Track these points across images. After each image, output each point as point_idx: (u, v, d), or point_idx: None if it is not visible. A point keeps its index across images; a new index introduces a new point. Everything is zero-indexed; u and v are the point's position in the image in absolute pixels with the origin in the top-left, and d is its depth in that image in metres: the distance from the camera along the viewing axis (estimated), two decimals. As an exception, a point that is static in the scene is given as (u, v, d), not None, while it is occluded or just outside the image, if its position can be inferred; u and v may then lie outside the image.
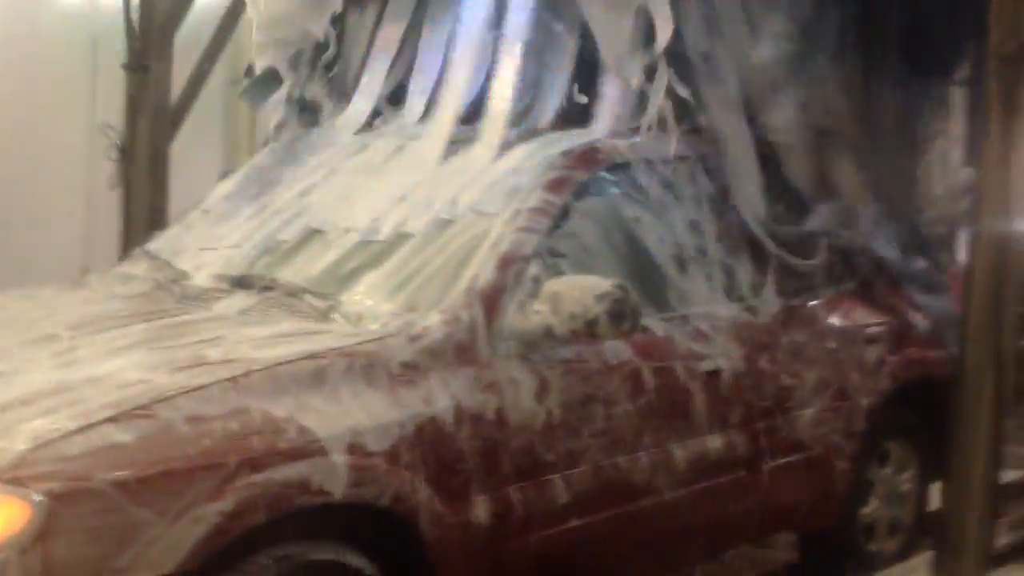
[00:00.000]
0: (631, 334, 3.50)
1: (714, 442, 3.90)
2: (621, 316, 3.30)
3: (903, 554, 4.78)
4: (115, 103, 6.23)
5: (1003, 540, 4.90)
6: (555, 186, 3.71)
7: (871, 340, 4.58)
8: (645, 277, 3.81)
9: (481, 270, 3.40)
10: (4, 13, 6.78)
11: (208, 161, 7.13)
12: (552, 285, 3.36)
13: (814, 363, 4.34)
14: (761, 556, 4.98)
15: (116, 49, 6.23)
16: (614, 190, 3.88)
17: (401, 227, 3.69)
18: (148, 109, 5.94)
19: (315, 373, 2.96)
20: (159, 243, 4.27)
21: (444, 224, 3.65)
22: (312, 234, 3.82)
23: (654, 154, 4.05)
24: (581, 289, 3.31)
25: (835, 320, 4.52)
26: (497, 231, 3.52)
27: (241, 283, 3.65)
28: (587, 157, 3.87)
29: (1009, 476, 5.65)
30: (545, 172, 3.74)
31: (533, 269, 3.48)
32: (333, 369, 2.99)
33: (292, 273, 3.65)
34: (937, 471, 4.86)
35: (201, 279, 3.78)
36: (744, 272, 4.22)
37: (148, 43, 6.01)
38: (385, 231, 3.69)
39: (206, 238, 4.08)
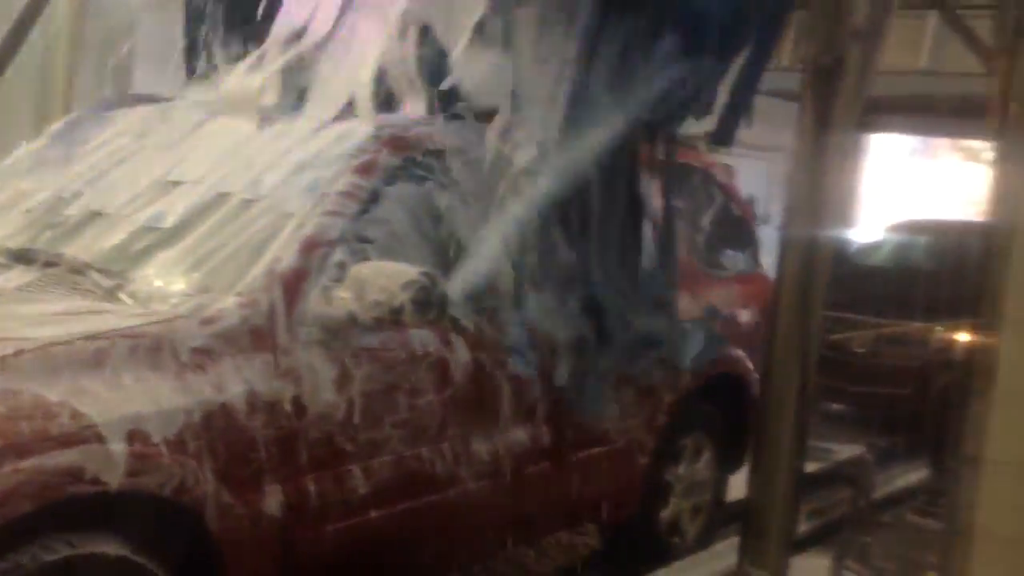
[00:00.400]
0: (437, 323, 3.45)
1: (519, 435, 3.87)
2: (427, 305, 3.23)
3: (702, 543, 4.90)
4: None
5: (804, 527, 5.14)
6: (364, 170, 3.58)
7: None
8: (457, 267, 3.72)
9: (283, 253, 3.26)
10: None
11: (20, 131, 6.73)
12: (357, 271, 3.27)
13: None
14: (568, 542, 5.06)
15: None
16: (427, 176, 3.78)
17: (200, 204, 3.52)
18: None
19: (94, 355, 2.78)
20: None
21: (247, 204, 3.49)
22: (103, 208, 3.62)
23: (469, 142, 3.97)
24: (387, 276, 3.23)
25: None
26: (302, 214, 3.38)
27: (22, 257, 3.43)
28: (399, 141, 3.75)
29: (811, 468, 5.99)
30: (355, 155, 3.62)
31: (339, 254, 3.36)
32: (115, 351, 2.81)
33: (78, 249, 3.44)
34: (735, 462, 5.10)
35: None
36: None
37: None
38: (182, 208, 3.51)
39: None
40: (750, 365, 5.01)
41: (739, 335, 5.05)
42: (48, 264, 3.35)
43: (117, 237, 3.45)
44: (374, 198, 3.56)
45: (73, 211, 3.65)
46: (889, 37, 4.66)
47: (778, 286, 4.25)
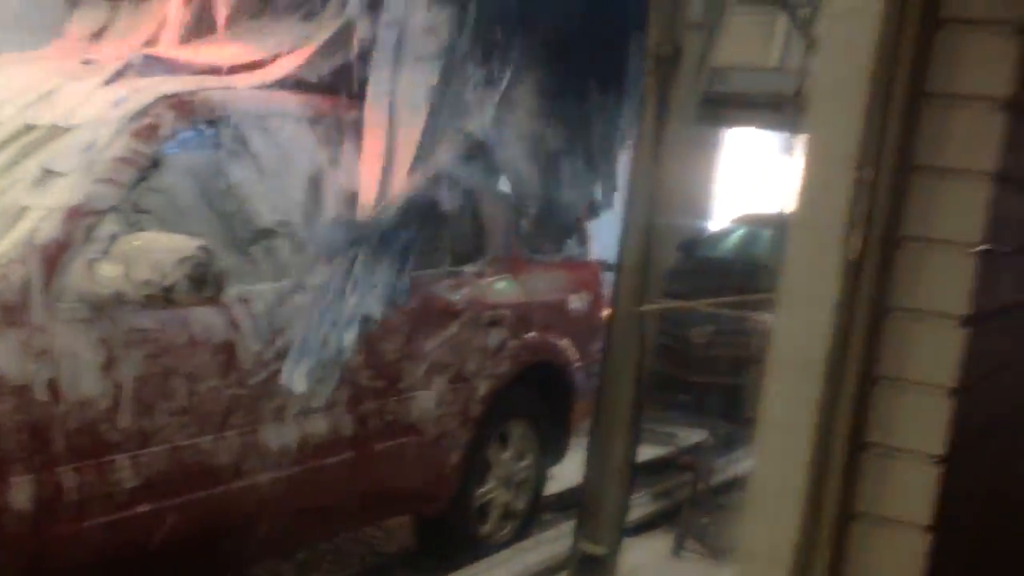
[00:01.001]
0: (214, 303, 3.19)
1: (316, 423, 3.66)
2: (203, 282, 2.97)
3: (519, 536, 4.81)
4: None
5: (649, 509, 5.25)
6: (145, 134, 3.26)
7: (493, 323, 4.50)
8: (248, 243, 3.48)
9: (43, 222, 2.96)
10: None
11: None
12: (127, 243, 2.99)
13: (431, 343, 4.18)
14: (381, 539, 4.91)
15: None
16: (217, 145, 3.49)
17: None
18: None
19: None
20: None
21: (10, 165, 3.18)
22: None
23: (270, 111, 3.70)
24: (159, 250, 2.96)
25: (457, 301, 4.37)
26: (69, 180, 3.08)
27: None
28: (187, 106, 3.43)
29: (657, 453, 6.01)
30: (135, 118, 3.29)
31: (110, 225, 3.07)
32: None
33: None
34: (557, 452, 5.04)
35: None
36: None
37: None
38: None
39: None
40: (572, 354, 4.94)
41: (565, 322, 4.98)
42: None
43: None
44: (155, 165, 3.26)
45: None
46: (740, 34, 4.79)
47: (617, 275, 4.34)
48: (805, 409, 1.92)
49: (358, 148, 3.85)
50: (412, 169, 3.96)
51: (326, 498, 3.79)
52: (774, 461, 1.96)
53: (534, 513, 4.97)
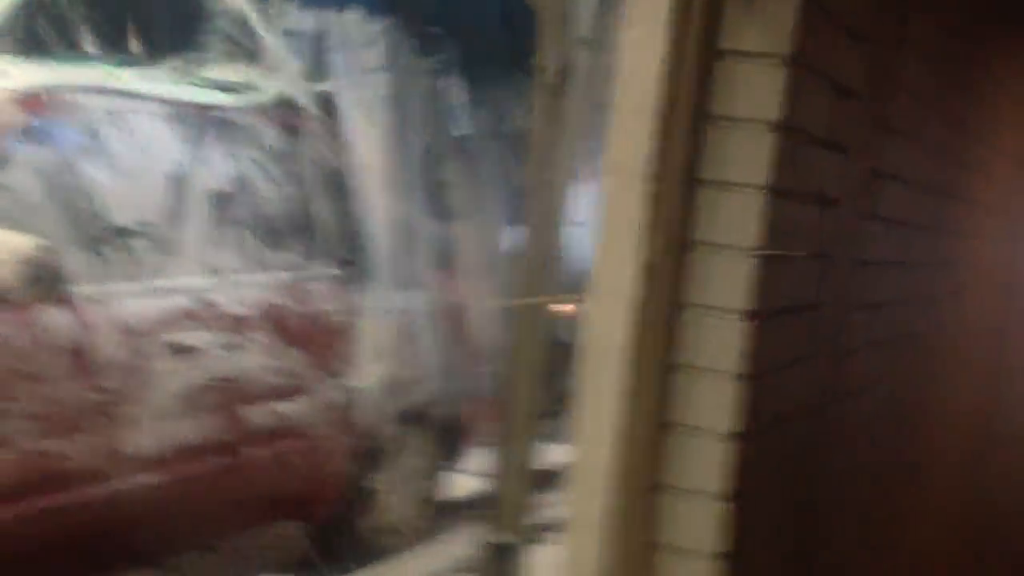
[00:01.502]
0: (51, 301, 3.14)
1: (183, 426, 3.58)
2: (37, 281, 2.94)
3: (421, 538, 4.85)
4: None
5: (547, 515, 5.43)
6: None
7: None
8: (103, 241, 3.43)
9: None
10: None
11: None
12: None
13: (315, 344, 4.14)
14: (276, 547, 4.82)
15: None
16: (69, 141, 3.46)
17: None
18: None
19: None
20: None
21: None
22: None
23: (131, 107, 3.66)
24: None
25: (339, 299, 4.30)
26: None
27: None
28: (36, 101, 3.41)
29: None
30: None
31: None
32: None
33: None
34: (453, 454, 5.08)
35: None
36: (243, 241, 3.92)
37: None
38: None
39: None
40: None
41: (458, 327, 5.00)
42: None
43: None
44: (1, 161, 3.25)
45: None
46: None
47: (513, 272, 4.60)
48: (612, 393, 2.17)
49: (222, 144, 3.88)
50: None
51: (196, 504, 3.69)
52: (587, 441, 2.22)
53: (435, 514, 5.01)
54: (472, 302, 5.16)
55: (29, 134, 3.34)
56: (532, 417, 4.49)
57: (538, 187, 4.43)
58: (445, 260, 5.12)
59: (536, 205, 4.43)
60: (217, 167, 3.90)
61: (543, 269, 4.45)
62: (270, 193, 4.10)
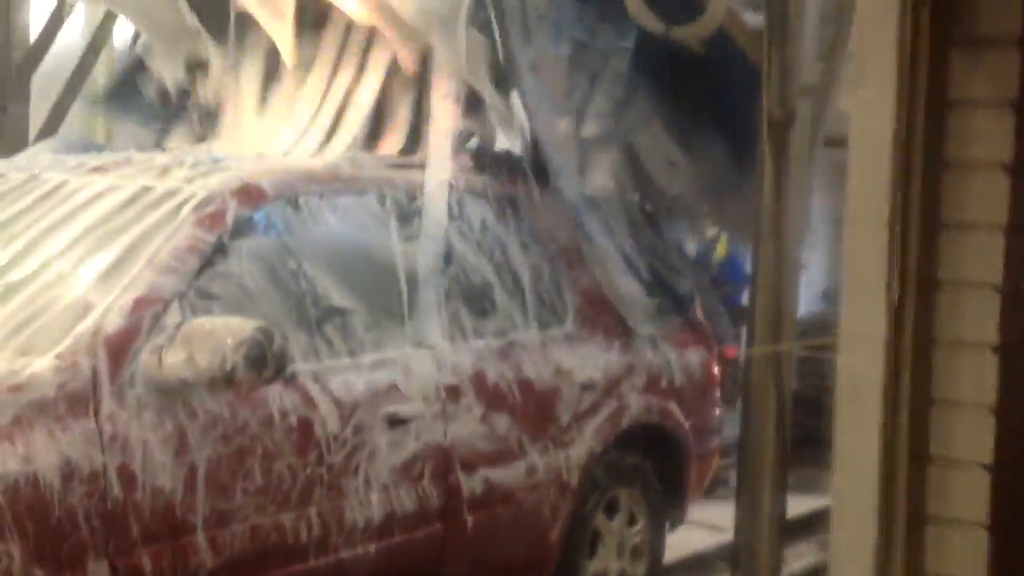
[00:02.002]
0: (275, 381, 3.22)
1: (402, 496, 3.63)
2: (262, 363, 3.03)
3: None
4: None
5: (804, 562, 5.28)
6: (209, 222, 3.39)
7: (587, 386, 4.31)
8: (319, 320, 3.54)
9: (108, 313, 3.08)
10: None
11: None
12: (188, 329, 3.09)
13: (524, 409, 4.07)
14: None
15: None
16: (285, 227, 3.62)
17: (36, 264, 3.35)
18: (5, 149, 6.07)
19: None
20: None
21: (83, 259, 3.32)
22: None
23: (339, 187, 3.83)
24: (218, 333, 3.03)
25: (547, 364, 4.22)
26: (135, 270, 3.20)
27: None
28: (251, 191, 3.54)
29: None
30: (199, 207, 3.41)
31: (175, 312, 3.17)
32: None
33: None
34: (674, 518, 4.83)
35: None
36: (445, 312, 3.94)
37: (6, 85, 6.22)
38: (14, 269, 3.35)
39: None
40: (681, 417, 4.75)
41: (671, 380, 4.75)
42: None
43: None
44: (220, 251, 3.36)
45: None
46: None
47: (749, 322, 4.65)
48: (870, 430, 2.28)
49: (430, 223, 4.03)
50: None
51: (413, 573, 3.76)
52: (848, 478, 2.32)
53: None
54: (702, 349, 5.04)
55: (248, 222, 3.50)
56: (779, 466, 4.48)
57: (770, 234, 4.52)
58: (671, 310, 5.01)
59: (769, 252, 4.51)
60: (429, 239, 4.02)
61: (780, 315, 4.50)
62: (482, 259, 4.19)
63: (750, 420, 4.46)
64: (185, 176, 3.62)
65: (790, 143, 4.40)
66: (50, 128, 6.39)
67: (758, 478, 4.42)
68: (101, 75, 7.12)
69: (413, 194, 4.02)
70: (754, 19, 4.76)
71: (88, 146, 4.80)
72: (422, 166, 4.21)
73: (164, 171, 3.70)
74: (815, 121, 4.48)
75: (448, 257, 4.01)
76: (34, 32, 6.31)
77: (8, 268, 3.35)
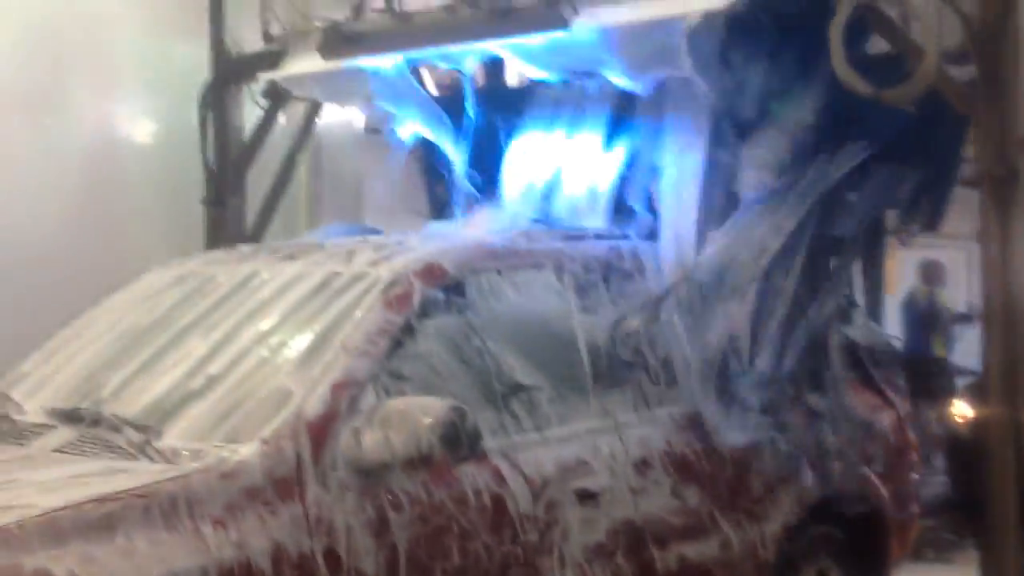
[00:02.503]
0: (470, 459, 3.28)
1: (596, 573, 3.61)
2: (457, 442, 3.09)
3: None
4: (194, 235, 6.72)
5: None
6: (396, 303, 3.48)
7: (775, 455, 4.23)
8: (505, 396, 3.57)
9: (309, 397, 3.17)
10: (85, 150, 7.30)
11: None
12: (383, 411, 3.16)
13: (714, 480, 4.02)
14: None
15: (192, 184, 6.81)
16: (470, 304, 3.66)
17: (240, 350, 3.48)
18: (226, 240, 6.36)
19: (104, 519, 2.68)
20: (15, 372, 3.96)
21: (281, 346, 3.45)
22: (153, 361, 3.60)
23: (517, 262, 3.87)
24: (413, 413, 3.10)
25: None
26: (331, 355, 3.30)
27: (70, 417, 3.38)
28: (434, 271, 3.62)
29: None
30: (386, 289, 3.51)
31: (370, 394, 3.26)
32: (126, 514, 2.71)
33: (123, 405, 3.38)
34: None
35: (33, 412, 3.52)
36: (626, 382, 3.95)
37: (224, 180, 6.63)
38: (220, 358, 3.48)
39: (55, 366, 3.84)
40: (877, 484, 4.61)
41: (864, 445, 4.61)
42: (93, 423, 3.29)
43: (156, 391, 3.41)
44: (408, 332, 3.44)
45: (130, 364, 3.62)
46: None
47: (984, 380, 4.54)
48: None
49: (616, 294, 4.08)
50: None
51: None
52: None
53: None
54: (892, 410, 4.89)
55: (433, 302, 3.56)
56: (1019, 534, 4.36)
57: (995, 292, 4.44)
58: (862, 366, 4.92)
59: (996, 311, 4.43)
60: (605, 310, 4.05)
61: (1015, 371, 4.40)
62: (662, 328, 4.15)
63: (991, 481, 4.36)
64: (370, 259, 3.73)
65: (1013, 198, 4.35)
66: (262, 222, 6.79)
67: (1001, 541, 4.32)
68: (304, 171, 7.56)
69: (589, 266, 4.07)
70: (962, 72, 4.73)
71: (362, 229, 5.13)
72: (597, 237, 4.29)
73: (350, 255, 3.81)
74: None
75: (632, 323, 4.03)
76: (247, 131, 6.71)
77: (210, 358, 3.49)
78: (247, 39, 6.61)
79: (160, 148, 7.70)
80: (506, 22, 4.86)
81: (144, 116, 7.62)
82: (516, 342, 3.68)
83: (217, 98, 6.62)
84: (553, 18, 4.71)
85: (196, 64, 6.83)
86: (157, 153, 7.71)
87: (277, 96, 6.28)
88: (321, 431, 3.13)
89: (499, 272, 3.78)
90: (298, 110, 6.83)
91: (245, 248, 4.41)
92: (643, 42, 4.42)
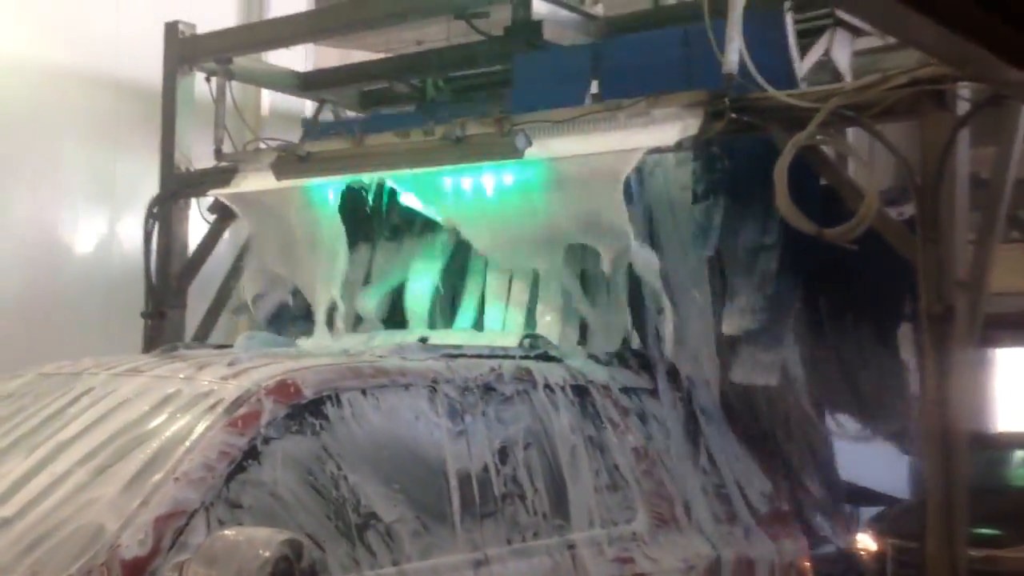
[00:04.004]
0: None
1: None
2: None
3: None
4: (131, 345, 6.63)
5: None
6: (239, 424, 3.14)
7: None
8: (360, 528, 3.27)
9: (124, 532, 2.84)
10: (25, 257, 7.22)
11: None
12: (211, 545, 2.81)
13: None
14: None
15: (130, 295, 6.77)
16: (326, 426, 3.35)
17: (58, 478, 3.12)
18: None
19: None
20: None
21: (99, 472, 3.09)
22: None
23: (385, 381, 3.58)
24: (242, 548, 2.76)
25: (614, 566, 3.96)
26: (156, 482, 2.95)
27: None
28: (288, 389, 3.30)
29: None
30: (230, 407, 3.19)
31: (200, 525, 2.92)
32: None
33: None
34: None
35: None
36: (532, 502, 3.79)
37: (165, 293, 6.59)
38: (27, 488, 3.12)
39: None
40: None
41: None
42: None
43: None
44: (253, 456, 3.11)
45: None
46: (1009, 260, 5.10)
47: (924, 517, 4.57)
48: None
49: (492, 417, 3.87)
50: None
51: None
52: None
53: None
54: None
55: (284, 423, 3.23)
56: None
57: (933, 426, 4.52)
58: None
59: (935, 445, 4.49)
60: (479, 435, 3.79)
61: (951, 499, 4.44)
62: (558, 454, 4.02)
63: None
64: (221, 375, 3.45)
65: (951, 335, 4.45)
66: (203, 333, 6.74)
67: None
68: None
69: (466, 387, 3.82)
70: (902, 212, 4.91)
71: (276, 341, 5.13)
72: (479, 356, 4.09)
73: (200, 369, 3.53)
74: (973, 312, 4.54)
75: (504, 454, 3.81)
76: (191, 247, 6.71)
77: (27, 479, 3.16)
78: (196, 154, 6.67)
79: (102, 258, 7.65)
80: (459, 149, 4.96)
81: (89, 225, 7.57)
82: (377, 469, 3.40)
83: (164, 211, 6.62)
84: (506, 147, 4.82)
85: (142, 176, 6.85)
86: (99, 263, 7.65)
87: (225, 211, 6.29)
88: (140, 567, 2.80)
89: (363, 392, 3.49)
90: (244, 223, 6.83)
91: (88, 360, 4.00)
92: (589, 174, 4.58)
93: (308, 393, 3.34)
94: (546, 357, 4.33)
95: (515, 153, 4.78)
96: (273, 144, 6.05)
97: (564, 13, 5.95)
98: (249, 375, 3.38)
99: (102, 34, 7.36)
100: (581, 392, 4.28)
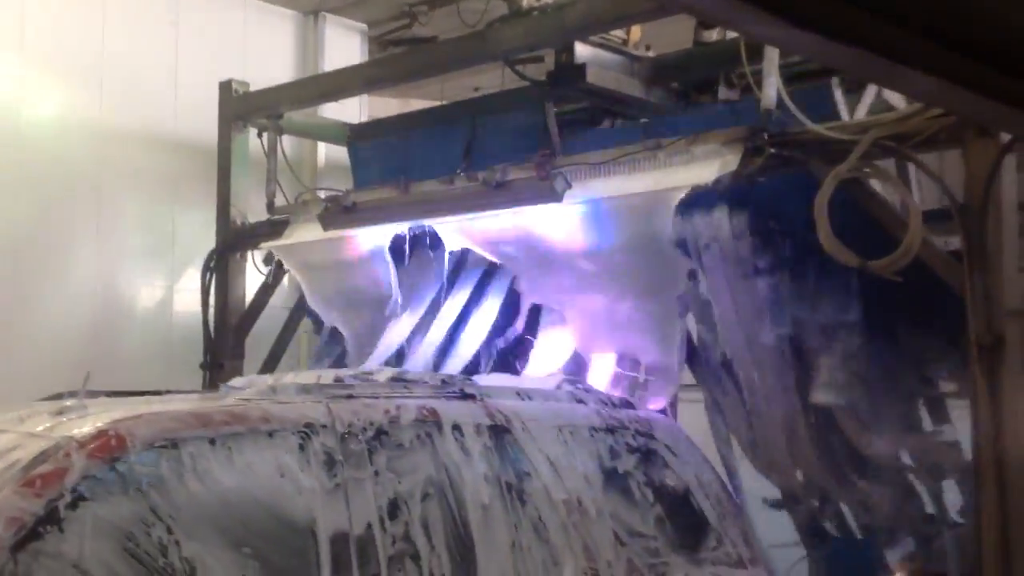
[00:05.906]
0: None
1: None
2: None
3: None
4: (192, 398, 6.76)
5: None
6: (37, 485, 2.67)
7: None
8: None
9: None
10: (89, 313, 7.37)
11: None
12: None
13: None
14: None
15: (190, 347, 6.91)
16: (154, 483, 2.86)
17: None
18: (223, 405, 6.47)
19: None
20: None
21: None
22: None
23: (241, 429, 3.10)
24: None
25: None
26: None
27: None
28: (108, 441, 2.81)
29: None
30: (30, 465, 2.71)
31: None
32: None
33: None
34: None
35: None
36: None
37: (223, 344, 6.72)
38: None
39: None
40: None
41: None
42: None
43: None
44: (52, 522, 2.63)
45: None
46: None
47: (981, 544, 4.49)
48: None
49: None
50: None
51: None
52: None
53: None
54: None
55: (100, 482, 2.76)
56: None
57: (987, 455, 4.43)
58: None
59: (988, 474, 4.41)
60: (364, 489, 3.35)
61: (1007, 544, 4.36)
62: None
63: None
64: (42, 427, 2.97)
65: (1002, 364, 4.38)
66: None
67: None
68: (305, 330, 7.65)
69: (351, 432, 3.34)
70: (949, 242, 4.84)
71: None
72: (374, 396, 3.60)
73: (25, 420, 3.06)
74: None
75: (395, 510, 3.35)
76: (248, 298, 6.84)
77: None
78: (256, 208, 6.80)
79: (162, 312, 7.80)
80: (500, 194, 5.01)
81: (149, 280, 7.74)
82: (224, 532, 2.91)
83: (221, 265, 6.75)
84: (546, 190, 4.87)
85: (201, 231, 6.99)
86: (159, 317, 7.80)
87: (279, 263, 6.41)
88: None
89: (211, 442, 3.00)
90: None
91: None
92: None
93: (135, 445, 2.86)
94: (462, 395, 3.89)
95: (554, 196, 4.82)
96: (322, 195, 6.15)
97: (607, 55, 5.98)
98: (67, 426, 2.92)
99: (160, 95, 7.57)
100: (498, 433, 3.79)
